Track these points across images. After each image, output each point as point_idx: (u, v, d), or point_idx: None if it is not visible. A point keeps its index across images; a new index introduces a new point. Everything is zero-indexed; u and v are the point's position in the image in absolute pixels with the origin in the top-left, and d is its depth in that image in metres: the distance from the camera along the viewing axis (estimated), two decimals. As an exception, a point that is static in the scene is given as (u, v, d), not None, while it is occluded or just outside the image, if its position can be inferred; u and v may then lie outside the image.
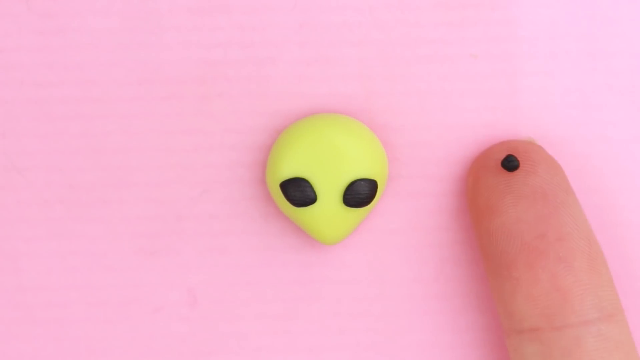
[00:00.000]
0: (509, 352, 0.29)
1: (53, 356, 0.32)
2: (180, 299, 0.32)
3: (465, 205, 0.32)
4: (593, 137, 0.32)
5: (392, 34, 0.32)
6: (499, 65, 0.32)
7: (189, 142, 0.32)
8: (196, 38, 0.31)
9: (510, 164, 0.29)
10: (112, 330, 0.32)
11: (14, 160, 0.32)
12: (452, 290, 0.32)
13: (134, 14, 0.31)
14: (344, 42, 0.32)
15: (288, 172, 0.30)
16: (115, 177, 0.32)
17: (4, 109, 0.32)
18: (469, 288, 0.32)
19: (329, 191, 0.30)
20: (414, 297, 0.32)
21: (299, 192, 0.30)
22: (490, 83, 0.32)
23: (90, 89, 0.32)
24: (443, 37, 0.32)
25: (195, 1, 0.31)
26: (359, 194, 0.30)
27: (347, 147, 0.30)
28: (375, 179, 0.30)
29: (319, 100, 0.32)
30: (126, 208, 0.32)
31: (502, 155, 0.30)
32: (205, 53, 0.31)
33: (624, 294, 0.32)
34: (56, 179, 0.32)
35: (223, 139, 0.32)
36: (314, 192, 0.30)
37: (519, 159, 0.29)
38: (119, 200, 0.32)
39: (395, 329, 0.32)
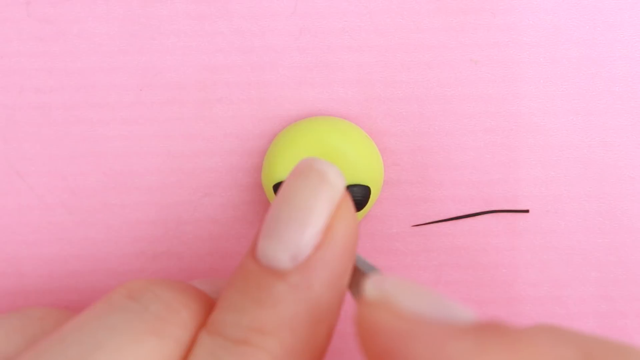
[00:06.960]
0: None
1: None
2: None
3: (465, 211, 0.32)
4: (594, 142, 0.32)
5: (391, 40, 0.32)
6: (500, 70, 0.32)
7: (189, 147, 0.32)
8: (196, 43, 0.32)
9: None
10: (114, 333, 0.33)
11: (16, 165, 0.32)
12: (450, 295, 0.32)
13: (134, 19, 0.32)
14: (344, 48, 0.32)
15: (282, 175, 0.30)
16: (116, 182, 0.32)
17: (5, 114, 0.32)
18: (467, 293, 0.32)
19: (324, 195, 0.30)
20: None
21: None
22: (491, 88, 0.32)
23: (90, 94, 0.32)
24: (443, 43, 0.32)
25: (195, 7, 0.31)
26: (353, 198, 0.30)
27: (340, 150, 0.30)
28: (369, 184, 0.30)
29: (318, 106, 0.32)
30: (127, 212, 0.32)
31: None
32: (205, 58, 0.32)
33: (624, 298, 0.32)
34: (58, 183, 0.32)
35: (223, 143, 0.32)
36: None
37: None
38: (121, 204, 0.32)
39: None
